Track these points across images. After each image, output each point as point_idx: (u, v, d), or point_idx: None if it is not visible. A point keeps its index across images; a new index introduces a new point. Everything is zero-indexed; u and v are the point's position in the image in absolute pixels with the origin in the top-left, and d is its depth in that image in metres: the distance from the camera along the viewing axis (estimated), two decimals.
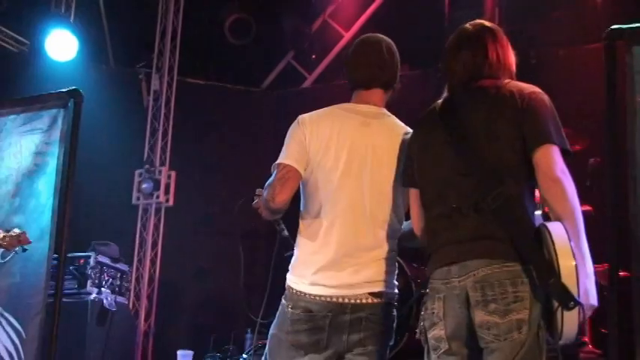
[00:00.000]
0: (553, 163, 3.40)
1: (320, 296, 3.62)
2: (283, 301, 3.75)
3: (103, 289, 7.09)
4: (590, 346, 5.49)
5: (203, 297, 8.14)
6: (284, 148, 3.86)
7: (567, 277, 3.06)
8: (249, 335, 6.57)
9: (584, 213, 5.79)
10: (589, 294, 3.11)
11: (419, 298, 5.73)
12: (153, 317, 8.22)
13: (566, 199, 3.36)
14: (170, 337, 7.85)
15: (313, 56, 9.44)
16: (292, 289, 3.72)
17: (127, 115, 8.63)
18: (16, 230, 4.60)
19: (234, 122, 8.71)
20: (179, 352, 6.50)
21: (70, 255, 6.00)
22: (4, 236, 4.56)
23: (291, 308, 3.68)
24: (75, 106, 5.85)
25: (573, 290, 3.03)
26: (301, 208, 3.81)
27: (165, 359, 6.97)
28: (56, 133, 5.93)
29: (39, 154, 5.90)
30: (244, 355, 6.36)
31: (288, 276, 3.82)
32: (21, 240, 4.68)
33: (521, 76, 7.73)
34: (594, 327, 5.64)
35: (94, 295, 6.89)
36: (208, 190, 8.49)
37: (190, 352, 6.52)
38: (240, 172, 8.47)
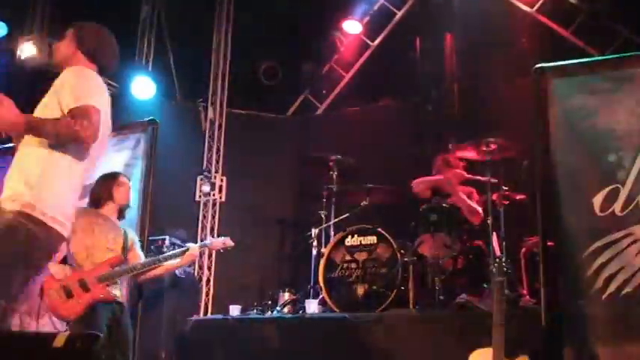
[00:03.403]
0: None
1: None
2: None
3: (187, 268, 7.06)
4: (527, 297, 5.45)
5: (247, 266, 8.11)
6: None
7: None
8: (281, 294, 6.53)
9: (521, 201, 5.81)
10: None
11: (403, 264, 5.74)
12: (211, 282, 8.20)
13: None
14: (223, 296, 7.82)
15: (324, 92, 9.41)
16: None
17: (191, 137, 8.61)
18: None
19: (267, 140, 8.68)
20: (231, 306, 6.46)
21: (151, 238, 5.98)
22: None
23: None
24: (153, 131, 5.89)
25: None
26: None
27: (220, 311, 6.94)
28: (140, 151, 5.96)
29: (127, 165, 5.93)
30: (277, 308, 6.33)
31: None
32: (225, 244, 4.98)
33: (473, 101, 7.75)
34: (530, 283, 5.60)
35: (179, 272, 6.86)
36: (249, 190, 8.47)
37: (239, 306, 6.48)
38: (271, 176, 8.46)
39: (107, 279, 4.63)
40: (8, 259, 2.98)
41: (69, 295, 4.53)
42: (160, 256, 4.92)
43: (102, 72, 3.60)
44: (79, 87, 3.25)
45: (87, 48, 3.58)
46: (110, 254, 4.74)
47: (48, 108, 3.26)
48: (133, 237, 5.04)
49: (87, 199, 5.02)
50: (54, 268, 4.64)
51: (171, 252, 4.99)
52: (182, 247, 7.09)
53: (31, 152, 3.20)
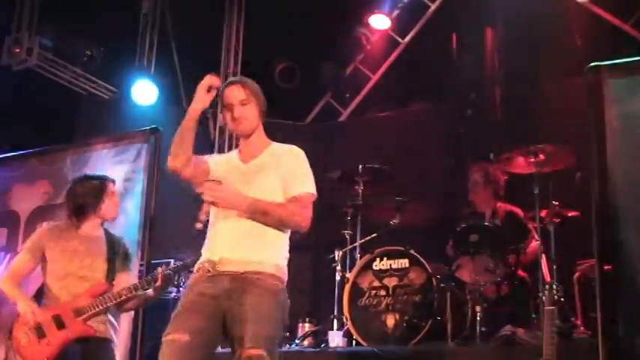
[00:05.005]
0: None
1: None
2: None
3: (180, 288, 7.07)
4: (582, 328, 5.40)
5: None
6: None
7: None
8: (300, 325, 6.52)
9: (573, 218, 5.76)
10: None
11: (439, 291, 5.71)
12: None
13: None
14: None
15: (347, 95, 9.44)
16: None
17: (198, 147, 8.56)
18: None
19: None
20: None
21: (153, 261, 6.00)
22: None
23: None
24: (155, 141, 5.94)
25: None
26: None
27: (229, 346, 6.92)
28: (141, 163, 6.00)
29: (127, 180, 5.97)
30: (296, 341, 6.33)
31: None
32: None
33: (518, 105, 7.72)
34: (585, 312, 5.56)
35: (173, 294, 6.88)
36: None
37: None
38: None
39: (86, 312, 4.45)
40: (281, 325, 3.56)
41: (40, 334, 4.41)
42: (132, 285, 4.58)
43: None
44: (307, 174, 3.73)
45: (263, 112, 3.85)
46: (87, 283, 4.54)
47: (269, 185, 3.63)
48: (124, 253, 4.79)
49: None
50: (21, 305, 4.49)
51: (139, 282, 4.62)
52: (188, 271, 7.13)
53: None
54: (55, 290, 4.56)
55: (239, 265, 3.51)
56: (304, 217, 3.61)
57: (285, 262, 3.68)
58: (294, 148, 3.86)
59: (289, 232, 3.71)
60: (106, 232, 4.82)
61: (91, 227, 4.73)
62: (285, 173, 3.67)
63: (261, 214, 3.53)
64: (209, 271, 3.54)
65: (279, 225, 3.59)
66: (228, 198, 3.51)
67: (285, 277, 3.65)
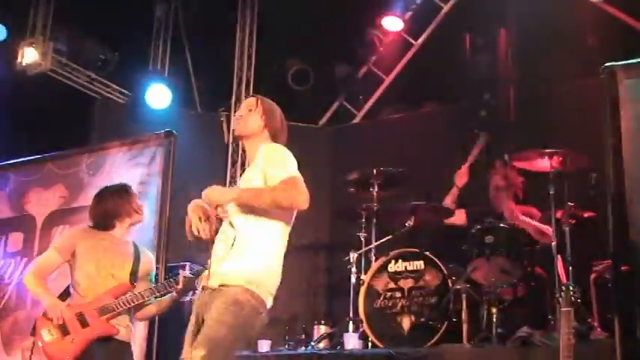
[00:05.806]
0: None
1: None
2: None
3: (196, 291, 7.08)
4: (599, 330, 5.38)
5: (277, 296, 8.09)
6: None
7: None
8: (315, 327, 6.54)
9: (589, 219, 5.74)
10: None
11: (454, 293, 5.71)
12: None
13: None
14: None
15: (361, 97, 9.44)
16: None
17: (212, 150, 8.69)
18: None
19: (297, 152, 8.69)
20: (259, 341, 6.48)
21: (170, 264, 6.04)
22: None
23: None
24: (170, 144, 5.96)
25: None
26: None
27: (247, 347, 6.96)
28: (155, 166, 6.03)
29: (142, 183, 6.00)
30: (312, 343, 6.34)
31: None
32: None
33: (532, 106, 7.69)
34: (602, 313, 5.53)
35: (189, 297, 6.89)
36: None
37: (268, 341, 6.50)
38: None
39: (109, 311, 4.54)
40: (234, 332, 3.53)
41: (64, 332, 4.49)
42: (154, 286, 4.72)
43: None
44: (284, 161, 3.79)
45: (273, 129, 4.00)
46: (114, 282, 4.64)
47: (250, 179, 3.74)
48: (148, 263, 4.93)
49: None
50: (47, 302, 4.59)
51: (160, 284, 4.76)
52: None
53: (244, 230, 3.66)
54: (83, 286, 4.64)
55: (213, 279, 3.64)
56: (299, 192, 3.62)
57: (261, 270, 3.68)
58: (272, 144, 3.93)
59: (276, 236, 3.72)
60: (133, 242, 4.96)
61: (120, 232, 4.86)
62: (265, 167, 3.73)
63: (254, 197, 3.59)
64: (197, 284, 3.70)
65: (275, 205, 3.60)
66: (215, 194, 3.63)
67: (260, 289, 3.68)
